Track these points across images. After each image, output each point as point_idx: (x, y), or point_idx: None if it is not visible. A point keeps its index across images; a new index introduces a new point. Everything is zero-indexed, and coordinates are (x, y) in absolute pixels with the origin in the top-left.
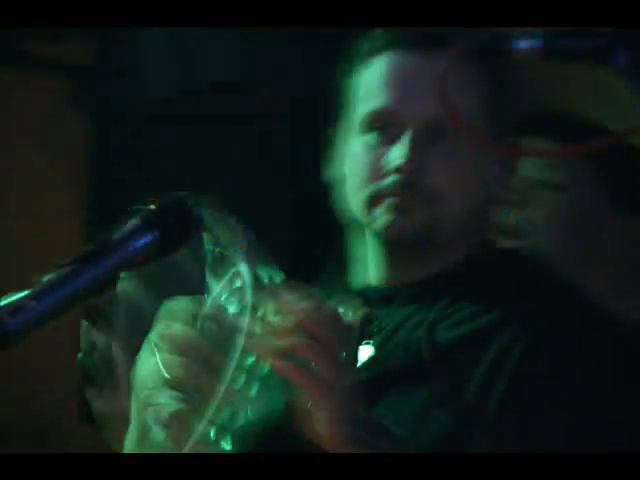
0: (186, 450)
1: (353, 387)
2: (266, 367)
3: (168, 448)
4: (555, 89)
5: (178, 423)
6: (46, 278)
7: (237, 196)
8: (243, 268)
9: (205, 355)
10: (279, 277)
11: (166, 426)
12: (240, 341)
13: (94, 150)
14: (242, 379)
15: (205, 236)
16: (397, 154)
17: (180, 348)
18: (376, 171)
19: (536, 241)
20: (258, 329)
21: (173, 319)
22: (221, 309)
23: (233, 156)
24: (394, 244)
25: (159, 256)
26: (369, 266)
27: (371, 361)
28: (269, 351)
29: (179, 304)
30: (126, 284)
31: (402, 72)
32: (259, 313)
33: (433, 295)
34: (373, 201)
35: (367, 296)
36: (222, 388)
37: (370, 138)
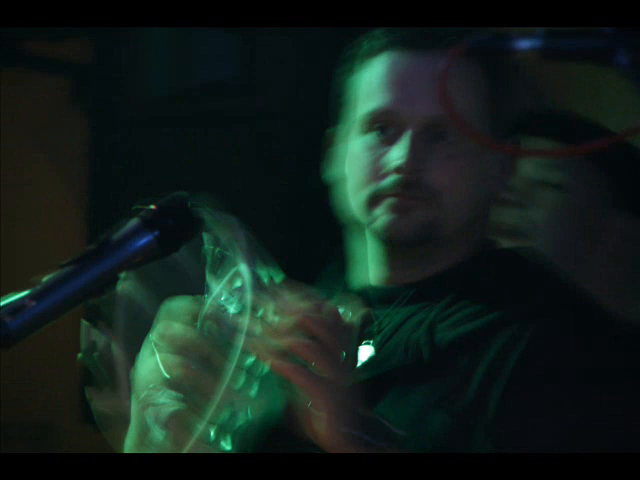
0: (186, 450)
1: (353, 387)
2: (266, 367)
3: (168, 448)
4: (555, 89)
5: (178, 423)
6: (46, 278)
7: (237, 196)
8: (243, 268)
9: (205, 355)
10: (279, 277)
11: (166, 426)
12: (240, 341)
13: (94, 150)
14: (242, 379)
15: (205, 236)
16: (397, 154)
17: (180, 348)
18: (376, 171)
19: (536, 241)
20: (258, 329)
21: (173, 319)
22: (221, 309)
23: (233, 156)
24: (394, 244)
25: (159, 256)
26: (369, 266)
27: (371, 361)
28: (269, 351)
29: (179, 304)
30: (126, 284)
31: (402, 72)
32: (259, 313)
33: (433, 295)
34: (373, 201)
35: (367, 296)
36: (222, 388)
37: (370, 138)
